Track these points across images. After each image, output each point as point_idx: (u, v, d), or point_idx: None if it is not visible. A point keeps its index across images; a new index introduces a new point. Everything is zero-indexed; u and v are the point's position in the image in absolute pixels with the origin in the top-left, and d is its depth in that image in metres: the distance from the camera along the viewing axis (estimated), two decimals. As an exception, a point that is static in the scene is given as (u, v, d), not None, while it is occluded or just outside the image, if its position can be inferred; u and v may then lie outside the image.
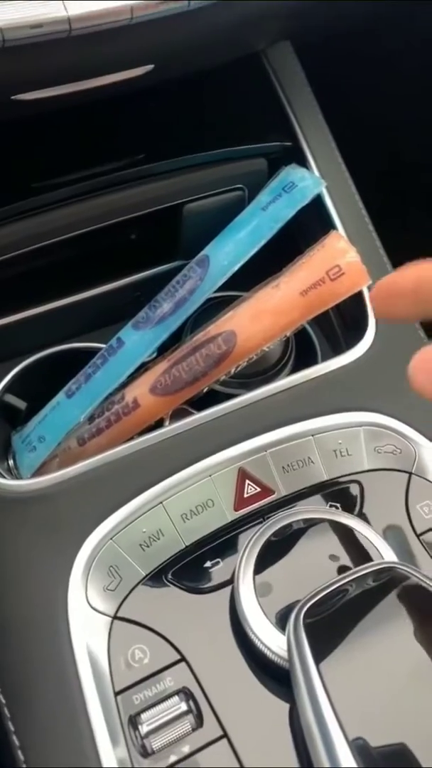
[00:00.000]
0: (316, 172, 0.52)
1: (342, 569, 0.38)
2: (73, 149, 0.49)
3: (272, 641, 0.35)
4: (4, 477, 0.44)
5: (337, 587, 0.34)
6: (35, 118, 0.46)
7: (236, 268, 0.50)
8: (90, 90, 0.43)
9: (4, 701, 0.36)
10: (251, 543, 0.38)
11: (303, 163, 0.52)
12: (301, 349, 0.53)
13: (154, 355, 0.51)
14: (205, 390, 0.49)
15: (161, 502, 0.41)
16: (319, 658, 0.31)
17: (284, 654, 0.34)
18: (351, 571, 0.35)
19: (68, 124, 0.48)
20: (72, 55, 0.40)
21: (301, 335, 0.53)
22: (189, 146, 0.51)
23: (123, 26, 0.38)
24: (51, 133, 0.48)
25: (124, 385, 0.50)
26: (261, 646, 0.35)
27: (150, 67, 0.44)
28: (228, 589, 0.39)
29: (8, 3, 0.35)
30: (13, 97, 0.42)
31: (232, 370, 0.49)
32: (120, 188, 0.48)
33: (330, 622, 0.33)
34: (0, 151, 0.47)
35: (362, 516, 0.41)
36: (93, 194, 0.48)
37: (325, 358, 0.51)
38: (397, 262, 0.52)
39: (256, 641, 0.35)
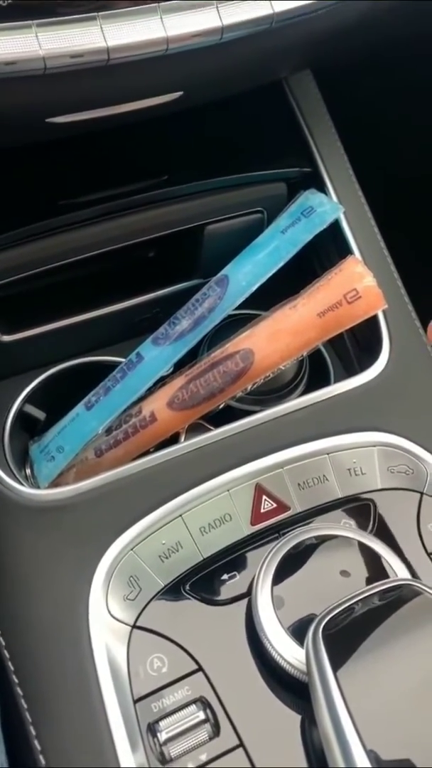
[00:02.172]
0: (334, 198, 0.54)
1: (355, 585, 0.39)
2: (100, 169, 0.51)
3: (289, 653, 0.36)
4: (23, 485, 0.45)
5: (355, 602, 0.35)
6: (66, 138, 0.48)
7: (254, 288, 0.52)
8: (120, 114, 0.45)
9: (26, 706, 0.37)
10: (269, 557, 0.39)
11: (321, 188, 0.54)
12: (314, 368, 0.54)
13: (171, 369, 0.52)
14: (221, 406, 0.50)
15: (181, 515, 0.42)
16: (336, 670, 0.32)
17: (300, 666, 0.36)
18: (368, 587, 0.36)
19: (96, 144, 0.50)
20: (107, 82, 0.41)
21: (315, 355, 0.54)
22: (211, 169, 0.53)
23: (158, 56, 0.40)
24: (79, 153, 0.50)
25: (141, 398, 0.51)
26: (278, 658, 0.36)
27: (179, 93, 0.46)
28: (244, 602, 0.40)
29: (50, 32, 0.37)
30: (47, 120, 0.43)
31: (249, 387, 0.50)
32: (145, 209, 0.50)
33: (347, 636, 0.34)
34: (31, 170, 0.49)
35: (375, 533, 0.43)
36: (119, 214, 0.49)
37: (337, 379, 0.53)
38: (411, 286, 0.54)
39: (273, 653, 0.36)
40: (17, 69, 0.37)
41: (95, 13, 0.37)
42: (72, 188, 0.50)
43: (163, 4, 0.38)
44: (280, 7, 0.41)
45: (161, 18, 0.38)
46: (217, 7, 0.40)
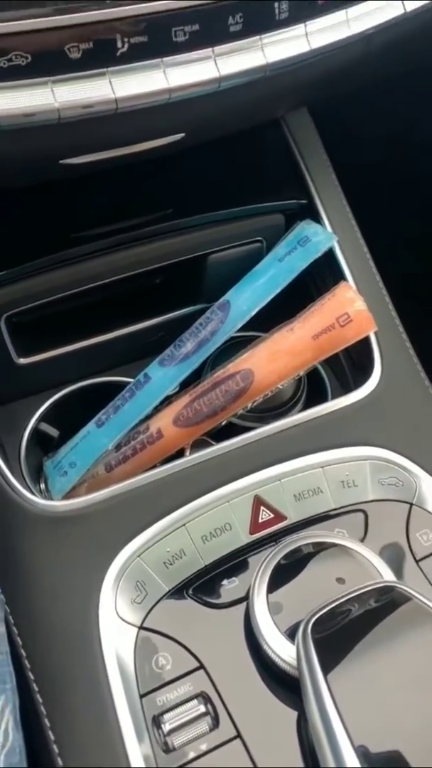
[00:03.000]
0: (329, 228, 0.57)
1: (346, 589, 0.42)
2: (110, 204, 0.55)
3: (283, 651, 0.39)
4: (38, 497, 0.49)
5: (342, 602, 0.37)
6: (78, 176, 0.52)
7: (254, 312, 0.55)
8: (127, 155, 0.49)
9: (41, 700, 0.40)
10: (265, 563, 0.42)
11: (316, 218, 0.58)
12: (313, 386, 0.57)
13: (177, 389, 0.56)
14: (223, 423, 0.53)
15: (184, 525, 0.45)
16: (326, 668, 0.35)
17: (294, 663, 0.38)
18: (355, 588, 0.38)
19: (106, 181, 0.54)
20: (115, 128, 0.45)
21: (313, 374, 0.57)
22: (213, 202, 0.56)
23: (162, 104, 0.44)
24: (91, 189, 0.54)
25: (148, 416, 0.54)
26: (273, 656, 0.39)
27: (181, 135, 0.50)
28: (243, 605, 0.43)
29: (64, 86, 0.41)
30: (60, 161, 0.47)
31: (249, 405, 0.53)
32: (153, 240, 0.53)
33: (336, 636, 0.37)
34: (47, 206, 0.53)
35: (366, 542, 0.45)
36: (128, 245, 0.53)
37: (335, 396, 0.56)
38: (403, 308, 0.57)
39: (269, 651, 0.39)
40: (35, 120, 0.41)
41: (104, 69, 0.41)
42: (84, 222, 0.54)
43: (166, 59, 0.42)
44: (273, 57, 0.45)
45: (164, 71, 0.42)
46: (214, 60, 0.44)
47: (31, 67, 0.39)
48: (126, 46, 0.41)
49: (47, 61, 0.39)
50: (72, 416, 0.56)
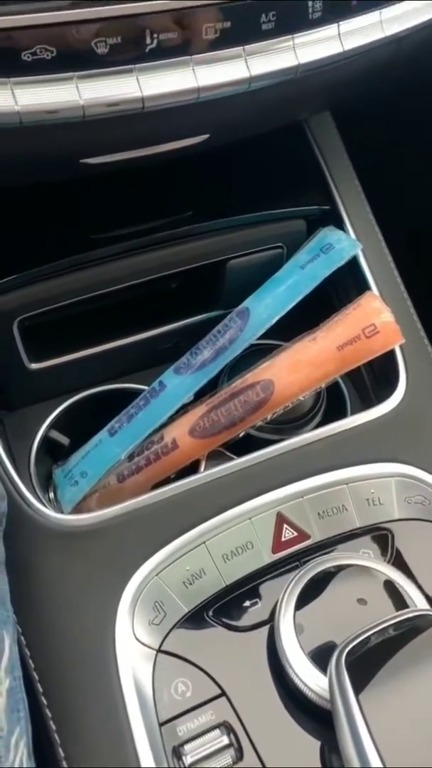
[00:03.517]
0: (352, 235, 0.56)
1: (372, 613, 0.41)
2: (129, 205, 0.53)
3: (311, 680, 0.37)
4: (50, 510, 0.47)
5: (376, 631, 0.36)
6: (97, 176, 0.50)
7: (274, 320, 0.53)
8: (149, 156, 0.47)
9: (54, 727, 0.38)
10: (291, 585, 0.41)
11: (339, 225, 0.56)
12: (331, 399, 0.56)
13: (192, 398, 0.54)
14: (241, 434, 0.52)
15: (204, 542, 0.43)
16: (359, 698, 0.33)
17: (322, 692, 0.37)
18: (390, 617, 0.37)
19: (125, 182, 0.52)
20: (139, 128, 0.43)
21: (332, 386, 0.56)
22: (234, 206, 0.55)
23: (189, 104, 0.42)
24: (110, 190, 0.52)
25: (163, 426, 0.53)
26: (300, 684, 0.37)
27: (206, 136, 0.48)
28: (266, 629, 0.41)
29: (90, 83, 0.39)
30: (81, 161, 0.46)
31: (268, 417, 0.51)
32: (172, 244, 0.52)
33: (368, 664, 0.35)
34: (65, 206, 0.51)
35: (393, 563, 0.44)
36: (147, 249, 0.51)
37: (354, 409, 0.54)
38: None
39: (296, 679, 0.37)
40: (58, 117, 0.39)
41: (132, 66, 0.39)
42: (101, 224, 0.52)
43: (195, 57, 0.41)
44: (305, 58, 0.44)
45: (193, 70, 0.41)
46: (245, 59, 0.42)
47: (56, 62, 0.37)
48: (155, 42, 0.39)
49: (73, 55, 0.38)
50: (83, 424, 0.54)
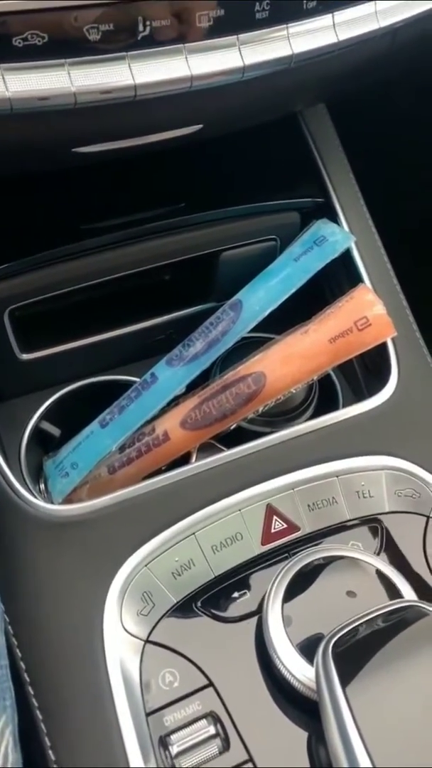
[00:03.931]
0: (346, 227, 0.55)
1: (361, 605, 0.40)
2: (121, 195, 0.53)
3: (298, 670, 0.37)
4: (39, 500, 0.47)
5: (364, 621, 0.36)
6: (89, 166, 0.50)
7: (267, 313, 0.53)
8: (141, 146, 0.47)
9: (41, 717, 0.38)
10: (279, 576, 0.40)
11: (333, 218, 0.56)
12: (323, 391, 0.56)
13: (183, 390, 0.54)
14: (232, 427, 0.52)
15: (193, 533, 0.43)
16: (346, 690, 0.33)
17: (309, 683, 0.37)
18: (377, 608, 0.37)
19: (117, 172, 0.52)
20: (131, 116, 0.43)
21: (324, 379, 0.56)
22: (227, 198, 0.55)
23: (182, 93, 0.42)
24: (102, 180, 0.52)
25: (154, 417, 0.53)
26: (287, 675, 0.37)
27: (199, 126, 0.48)
28: (254, 620, 0.41)
29: (82, 70, 0.39)
30: (73, 150, 0.45)
31: (260, 409, 0.51)
32: (164, 235, 0.51)
33: (355, 655, 0.35)
34: (55, 195, 0.51)
35: (382, 555, 0.44)
36: (138, 240, 0.51)
37: (346, 402, 0.54)
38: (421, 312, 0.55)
39: (283, 670, 0.37)
40: (49, 104, 0.39)
41: (124, 53, 0.39)
42: (92, 214, 0.52)
43: (188, 45, 0.40)
44: (299, 47, 0.43)
45: (186, 58, 0.40)
46: (239, 48, 0.42)
47: (48, 48, 0.37)
48: (148, 29, 0.39)
49: (65, 42, 0.37)
50: (74, 415, 0.54)
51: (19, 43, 0.36)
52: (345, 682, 0.34)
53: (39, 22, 0.36)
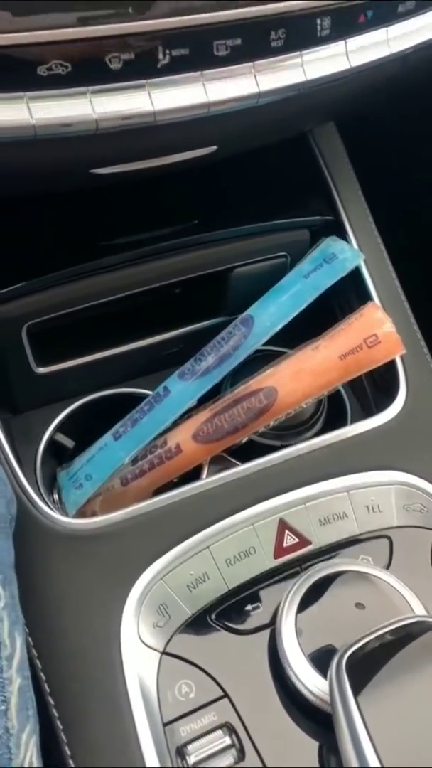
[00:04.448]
0: (355, 245, 0.57)
1: (370, 618, 0.42)
2: (136, 214, 0.54)
3: (311, 682, 0.38)
4: (56, 513, 0.48)
5: (377, 636, 0.37)
6: (105, 186, 0.51)
7: (278, 328, 0.54)
8: (156, 167, 0.48)
9: (61, 727, 0.39)
10: (293, 590, 0.42)
11: (343, 235, 0.57)
12: (332, 406, 0.57)
13: (195, 403, 0.55)
14: (243, 440, 0.53)
15: (208, 547, 0.44)
16: (359, 703, 0.34)
17: (321, 694, 0.38)
18: (389, 622, 0.38)
19: (133, 191, 0.53)
20: (149, 140, 0.44)
21: (333, 394, 0.57)
22: (239, 216, 0.56)
23: (200, 118, 0.43)
24: (118, 199, 0.53)
25: (167, 430, 0.53)
26: (300, 687, 0.38)
27: (214, 147, 0.49)
28: (267, 632, 0.42)
29: (103, 97, 0.40)
30: (90, 171, 0.46)
31: (271, 423, 0.52)
32: (178, 253, 0.52)
33: (368, 669, 0.36)
34: (70, 215, 0.52)
35: (392, 569, 0.45)
36: (153, 257, 0.52)
37: (354, 417, 0.55)
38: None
39: (296, 681, 0.38)
40: (72, 130, 0.40)
41: (144, 80, 0.40)
42: (107, 233, 0.53)
43: (206, 72, 0.41)
44: (312, 74, 0.44)
45: (204, 85, 0.42)
46: (254, 75, 0.43)
47: (71, 77, 0.38)
48: (167, 58, 0.40)
49: (87, 71, 0.38)
50: (88, 427, 0.55)
51: (44, 72, 0.37)
52: (357, 694, 0.35)
53: (63, 52, 0.37)
